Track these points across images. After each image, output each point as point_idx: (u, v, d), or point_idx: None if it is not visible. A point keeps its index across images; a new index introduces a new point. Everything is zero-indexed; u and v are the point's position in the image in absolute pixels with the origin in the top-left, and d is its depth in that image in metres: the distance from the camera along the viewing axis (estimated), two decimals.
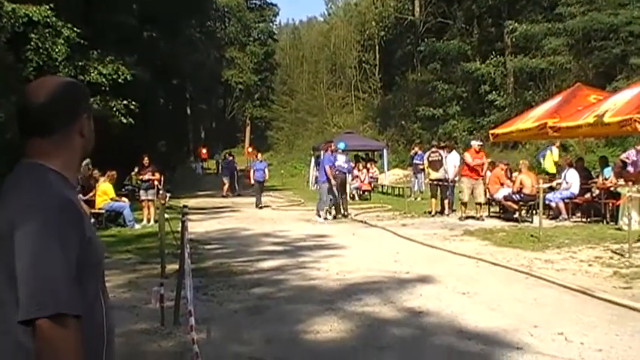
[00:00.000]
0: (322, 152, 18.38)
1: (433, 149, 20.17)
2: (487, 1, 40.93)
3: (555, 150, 22.52)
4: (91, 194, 17.16)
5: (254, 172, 25.79)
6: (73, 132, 1.96)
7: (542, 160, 16.34)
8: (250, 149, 64.92)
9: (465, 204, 17.82)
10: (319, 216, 18.45)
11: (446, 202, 19.24)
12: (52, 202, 1.77)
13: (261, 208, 23.55)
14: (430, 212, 19.13)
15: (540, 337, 6.30)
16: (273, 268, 10.80)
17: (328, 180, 18.66)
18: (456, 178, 18.94)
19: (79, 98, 2.01)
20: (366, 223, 17.70)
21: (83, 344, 1.73)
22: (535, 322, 6.84)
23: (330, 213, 18.83)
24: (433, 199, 19.42)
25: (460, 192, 18.12)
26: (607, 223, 15.59)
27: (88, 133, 2.02)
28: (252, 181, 25.65)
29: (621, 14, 32.18)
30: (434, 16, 45.56)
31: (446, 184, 19.31)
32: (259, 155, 28.12)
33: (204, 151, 57.70)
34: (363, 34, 55.19)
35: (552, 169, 20.75)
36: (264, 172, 25.88)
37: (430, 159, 19.83)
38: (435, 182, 19.41)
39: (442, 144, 21.32)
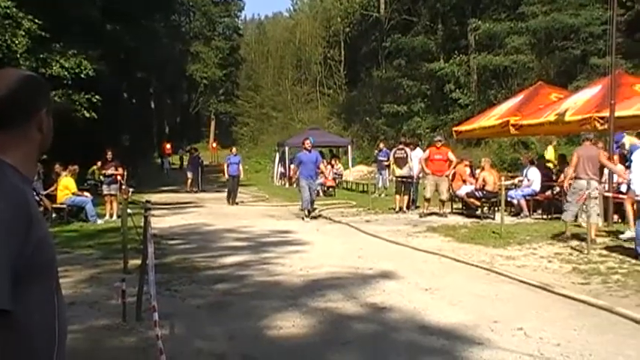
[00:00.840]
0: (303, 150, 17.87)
1: (399, 146, 20.27)
2: (451, 0, 41.26)
3: (551, 149, 22.82)
4: (52, 188, 16.97)
5: (228, 166, 24.61)
6: (31, 126, 1.92)
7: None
8: (215, 144, 64.66)
9: (428, 200, 17.94)
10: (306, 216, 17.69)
11: (405, 198, 19.37)
12: (4, 197, 1.75)
13: (237, 204, 23.06)
14: (394, 209, 19.23)
15: (500, 333, 6.40)
16: (237, 263, 10.78)
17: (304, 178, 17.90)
18: (420, 175, 19.09)
19: (38, 92, 1.97)
20: (330, 219, 17.75)
21: (32, 344, 1.72)
22: (496, 317, 6.93)
23: (308, 214, 17.74)
24: (397, 196, 19.52)
25: (424, 188, 18.24)
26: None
27: (47, 129, 1.99)
28: (227, 176, 24.49)
29: (582, 15, 32.76)
30: (399, 13, 45.80)
31: (410, 180, 19.45)
32: (234, 149, 26.48)
33: (168, 146, 57.20)
34: (329, 30, 55.26)
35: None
36: (239, 166, 24.74)
37: (396, 156, 19.93)
38: (400, 179, 19.52)
39: (408, 141, 21.41)
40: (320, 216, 18.28)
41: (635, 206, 12.07)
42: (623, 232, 12.18)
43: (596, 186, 12.52)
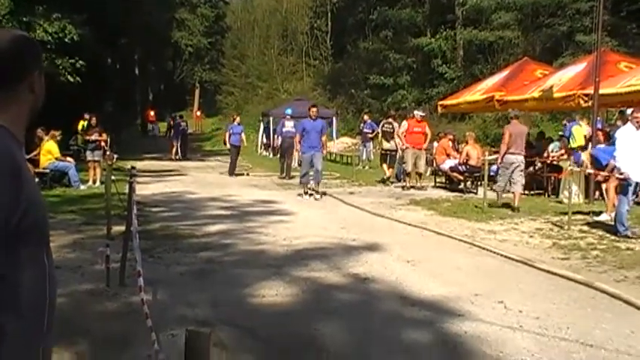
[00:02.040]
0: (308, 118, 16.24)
1: (388, 119, 20.31)
2: None
3: (584, 125, 22.73)
4: (34, 153, 16.86)
5: (230, 135, 23.24)
6: (23, 87, 1.91)
7: (571, 138, 16.11)
8: (199, 113, 64.31)
9: (408, 174, 18.02)
10: (306, 193, 16.17)
11: (390, 170, 19.50)
12: None
13: (236, 176, 22.15)
14: (385, 179, 19.32)
15: (481, 305, 6.48)
16: (221, 232, 10.81)
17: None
18: (404, 147, 19.18)
19: (31, 53, 1.94)
20: (313, 190, 17.78)
21: (22, 307, 1.73)
22: (476, 290, 7.02)
23: (306, 192, 16.12)
24: (385, 165, 19.65)
25: (404, 163, 18.29)
26: (549, 196, 16.01)
27: (39, 90, 1.97)
28: (229, 145, 23.15)
29: None
30: None
31: (394, 153, 19.56)
32: (237, 118, 24.72)
33: (152, 113, 56.87)
34: (316, 0, 54.78)
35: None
36: (241, 136, 23.44)
37: (384, 129, 19.98)
38: (386, 152, 19.60)
39: (396, 114, 21.54)
40: (325, 193, 16.39)
41: (617, 186, 12.19)
42: (601, 213, 12.28)
43: (522, 160, 13.86)
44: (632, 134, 10.61)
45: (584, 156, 14.39)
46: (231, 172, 22.31)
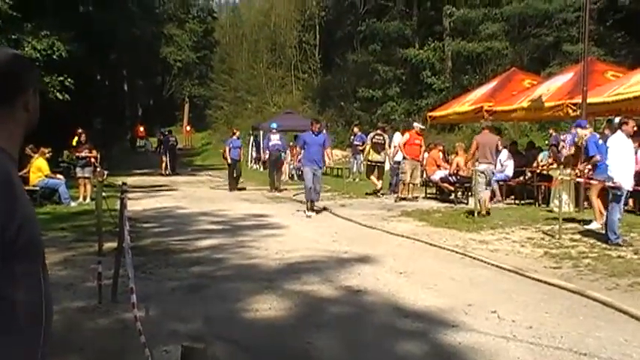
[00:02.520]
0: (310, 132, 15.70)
1: (378, 131, 20.36)
2: None
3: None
4: (25, 171, 16.79)
5: (230, 150, 22.93)
6: (18, 105, 1.92)
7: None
8: (188, 128, 64.29)
9: (405, 185, 18.10)
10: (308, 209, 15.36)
11: (380, 182, 19.53)
12: None
13: (239, 190, 22.08)
14: (375, 191, 19.36)
15: (474, 316, 6.48)
16: (212, 246, 10.78)
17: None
18: (400, 159, 19.28)
19: (25, 71, 1.97)
20: (304, 203, 17.77)
21: (18, 323, 1.72)
22: (470, 300, 7.02)
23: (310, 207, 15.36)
24: (373, 177, 19.69)
25: (403, 173, 18.32)
26: (539, 205, 16.05)
27: (33, 108, 1.98)
28: (229, 161, 22.86)
29: (555, 2, 33.04)
30: None
31: (382, 165, 19.64)
32: (237, 132, 24.69)
33: (141, 129, 56.83)
34: (304, 14, 54.97)
35: None
36: (241, 150, 23.47)
37: (374, 140, 19.99)
38: (374, 163, 19.64)
39: (386, 126, 21.63)
40: (325, 209, 15.96)
41: (606, 194, 12.26)
42: (591, 221, 12.31)
43: (492, 169, 14.50)
44: (623, 142, 10.67)
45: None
46: (232, 187, 22.17)
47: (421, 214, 14.96)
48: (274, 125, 24.25)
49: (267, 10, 63.69)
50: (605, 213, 11.36)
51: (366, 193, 19.44)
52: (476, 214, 13.64)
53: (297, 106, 47.84)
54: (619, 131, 10.86)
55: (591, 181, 12.11)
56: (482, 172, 14.23)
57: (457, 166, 17.45)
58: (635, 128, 11.19)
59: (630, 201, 13.68)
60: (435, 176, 18.29)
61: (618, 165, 10.48)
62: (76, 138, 20.62)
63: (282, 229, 12.83)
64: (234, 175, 22.61)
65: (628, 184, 10.51)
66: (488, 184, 14.57)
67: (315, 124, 16.07)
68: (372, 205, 17.00)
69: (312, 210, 15.29)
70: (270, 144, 22.80)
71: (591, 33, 19.69)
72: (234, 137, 23.83)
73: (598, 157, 11.85)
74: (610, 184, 10.49)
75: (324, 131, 32.44)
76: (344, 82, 46.56)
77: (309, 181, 15.19)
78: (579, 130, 12.98)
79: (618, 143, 10.67)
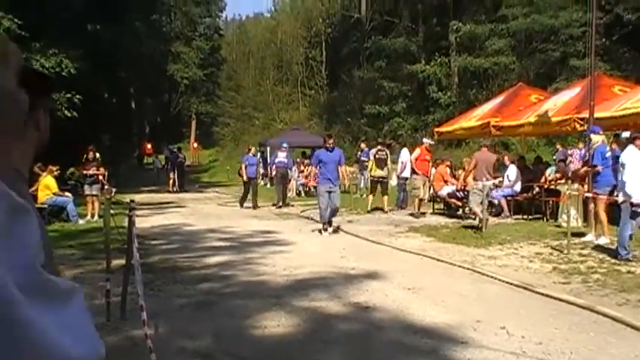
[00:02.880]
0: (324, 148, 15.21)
1: (380, 147, 20.36)
2: (432, 1, 41.46)
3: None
4: (33, 188, 16.85)
5: (246, 167, 22.42)
6: (29, 125, 1.94)
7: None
8: (196, 145, 64.44)
9: (421, 201, 18.16)
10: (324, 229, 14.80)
11: (385, 198, 19.48)
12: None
13: (256, 208, 21.50)
14: (368, 210, 19.27)
15: (483, 332, 6.46)
16: (220, 263, 10.78)
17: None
18: (407, 175, 19.33)
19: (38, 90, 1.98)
20: (312, 219, 17.78)
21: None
22: (478, 316, 7.00)
23: (326, 229, 14.77)
24: (371, 196, 19.64)
25: (416, 189, 18.32)
26: (547, 220, 16.01)
27: (44, 127, 2.00)
28: (245, 178, 22.36)
29: (561, 17, 33.13)
30: (380, 14, 45.84)
31: (386, 181, 19.64)
32: (252, 149, 24.17)
33: (149, 146, 56.99)
34: (310, 31, 55.22)
35: None
36: (257, 167, 23.18)
37: (377, 156, 19.98)
38: (377, 179, 19.62)
39: (388, 142, 21.64)
40: (339, 228, 15.23)
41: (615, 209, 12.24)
42: (600, 236, 12.27)
43: (490, 185, 14.90)
44: (636, 157, 10.64)
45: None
46: (255, 204, 21.79)
47: (429, 229, 14.95)
48: (285, 144, 24.31)
49: (273, 27, 64.02)
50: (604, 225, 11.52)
51: (368, 211, 19.25)
52: (482, 228, 13.65)
53: (304, 123, 47.95)
54: (631, 146, 10.83)
55: (599, 196, 12.09)
56: (480, 190, 14.57)
57: (465, 181, 17.45)
58: None
59: None
60: (443, 192, 18.28)
61: (636, 181, 10.43)
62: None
63: (290, 245, 12.82)
64: (251, 192, 22.27)
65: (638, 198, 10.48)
66: (481, 201, 14.64)
67: (329, 140, 15.60)
68: (379, 221, 16.99)
69: (329, 227, 14.77)
70: (277, 160, 23.15)
71: (597, 48, 19.71)
72: (250, 154, 23.57)
73: (599, 168, 11.89)
74: (630, 200, 10.42)
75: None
76: (350, 98, 46.68)
77: (324, 203, 14.51)
78: (593, 135, 12.92)
79: (633, 158, 10.63)
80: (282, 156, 23.13)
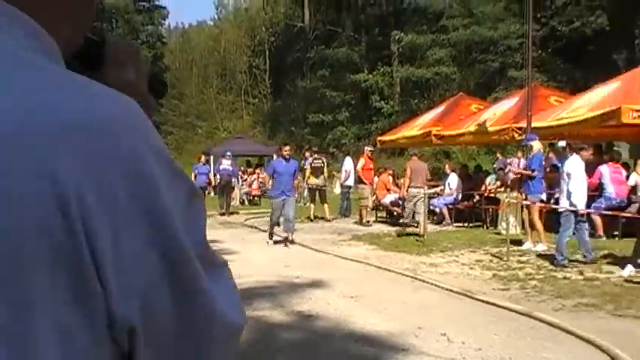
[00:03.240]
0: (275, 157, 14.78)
1: (316, 156, 20.40)
2: (375, 11, 41.93)
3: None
4: None
5: (196, 176, 22.05)
6: None
7: None
8: None
9: (367, 208, 18.33)
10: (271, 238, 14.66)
11: (325, 206, 19.49)
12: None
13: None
14: (310, 218, 19.27)
15: (424, 338, 6.56)
16: None
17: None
18: (351, 184, 19.49)
19: None
20: (256, 228, 17.75)
21: None
22: (420, 323, 7.10)
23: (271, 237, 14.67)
24: (312, 205, 19.66)
25: (364, 198, 18.45)
26: (487, 227, 16.31)
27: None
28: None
29: (500, 29, 33.94)
30: (323, 24, 46.15)
31: (324, 189, 19.68)
32: (203, 157, 23.95)
33: None
34: (254, 40, 55.16)
35: None
36: (209, 176, 23.10)
37: (313, 165, 19.95)
38: (315, 187, 19.63)
39: (321, 150, 21.85)
40: (293, 242, 14.29)
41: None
42: (537, 243, 12.58)
43: (424, 192, 15.31)
44: (580, 167, 10.94)
45: None
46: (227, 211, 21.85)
47: (372, 237, 15.08)
48: (229, 153, 24.27)
49: (216, 34, 63.73)
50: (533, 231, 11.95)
51: (310, 219, 19.21)
52: (424, 235, 13.86)
53: (248, 131, 47.84)
54: (576, 156, 11.10)
55: (532, 204, 12.40)
56: (415, 197, 15.27)
57: (407, 190, 17.66)
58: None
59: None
60: (386, 200, 18.46)
61: (580, 191, 10.73)
62: None
63: (234, 254, 12.75)
64: None
65: (582, 205, 10.77)
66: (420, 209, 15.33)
67: (284, 147, 14.88)
68: (322, 230, 17.06)
69: (289, 239, 14.32)
70: (221, 168, 22.91)
71: (534, 59, 20.20)
72: (201, 163, 23.48)
73: (535, 174, 12.25)
74: (576, 209, 10.68)
75: (274, 156, 32.76)
76: (294, 107, 46.81)
77: (277, 215, 14.16)
78: (534, 142, 13.21)
79: (577, 168, 10.91)
80: (226, 164, 23.06)
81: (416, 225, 16.18)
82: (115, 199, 0.73)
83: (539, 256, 11.60)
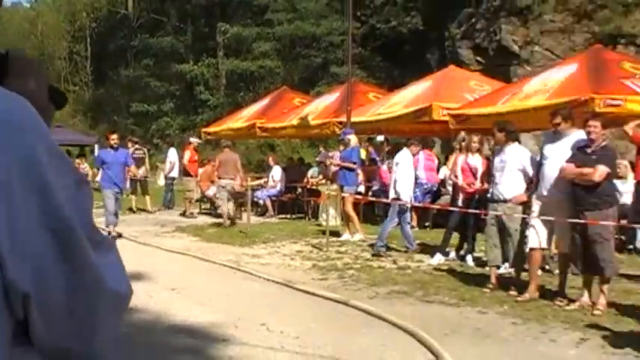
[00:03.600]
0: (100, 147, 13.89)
1: (137, 146, 20.00)
2: (201, 1, 41.56)
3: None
4: None
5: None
6: None
7: None
8: None
9: (192, 200, 18.25)
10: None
11: (147, 198, 19.19)
12: None
13: None
14: (132, 209, 18.83)
15: (245, 329, 6.67)
16: None
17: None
18: (175, 175, 19.30)
19: None
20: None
21: None
22: (240, 314, 7.20)
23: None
24: (133, 196, 19.24)
25: (189, 191, 18.31)
26: (309, 219, 16.72)
27: None
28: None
29: (322, 25, 34.76)
30: (147, 12, 45.11)
31: (146, 180, 19.42)
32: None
33: None
34: (74, 25, 52.86)
35: None
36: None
37: (134, 156, 19.48)
38: (136, 178, 19.24)
39: (142, 141, 21.47)
40: (121, 236, 13.27)
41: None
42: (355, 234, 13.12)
43: (233, 185, 15.80)
44: (409, 160, 11.48)
45: None
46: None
47: (195, 229, 15.03)
48: None
49: (32, 17, 60.48)
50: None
51: (132, 211, 18.73)
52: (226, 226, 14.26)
53: (68, 120, 45.80)
54: (406, 149, 11.62)
55: (346, 195, 12.90)
56: (224, 187, 15.60)
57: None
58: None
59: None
60: (210, 192, 18.41)
61: (406, 181, 11.25)
62: None
63: None
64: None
65: (408, 197, 11.30)
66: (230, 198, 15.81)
67: (111, 136, 14.18)
68: (146, 222, 16.77)
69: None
70: None
71: (355, 56, 20.93)
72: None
73: (351, 166, 12.81)
74: (400, 198, 11.18)
75: (96, 145, 31.70)
76: (117, 95, 45.42)
77: (112, 206, 13.27)
78: (352, 136, 13.68)
79: (406, 160, 11.43)
80: None
81: (240, 217, 16.31)
82: (9, 181, 0.86)
83: (358, 246, 12.08)
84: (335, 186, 13.88)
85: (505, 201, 8.26)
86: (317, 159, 20.21)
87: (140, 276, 9.42)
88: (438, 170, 14.97)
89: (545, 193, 7.63)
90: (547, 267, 9.06)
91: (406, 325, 6.57)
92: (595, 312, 7.09)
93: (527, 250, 7.88)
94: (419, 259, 10.75)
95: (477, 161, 10.20)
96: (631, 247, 11.16)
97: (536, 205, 7.82)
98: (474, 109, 13.18)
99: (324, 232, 12.38)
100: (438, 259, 10.35)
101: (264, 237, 13.48)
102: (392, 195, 11.39)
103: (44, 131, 0.95)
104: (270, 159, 19.33)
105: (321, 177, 17.59)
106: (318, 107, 18.49)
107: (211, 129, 23.65)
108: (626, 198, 10.56)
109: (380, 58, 32.34)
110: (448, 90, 14.71)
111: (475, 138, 10.40)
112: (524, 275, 8.16)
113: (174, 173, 19.89)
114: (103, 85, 48.90)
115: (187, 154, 18.88)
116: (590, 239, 7.14)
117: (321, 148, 20.45)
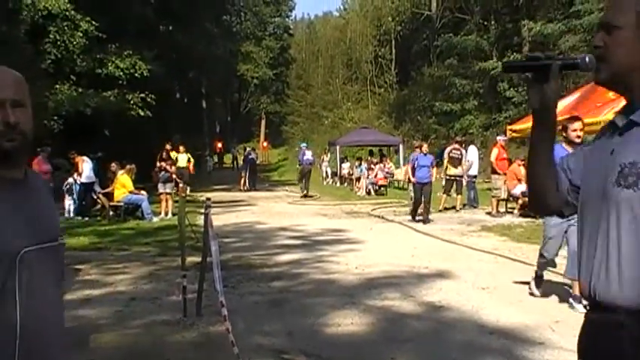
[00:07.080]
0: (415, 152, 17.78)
1: (455, 145, 20.07)
2: None
3: None
4: (110, 188, 17.39)
5: (415, 169, 17.18)
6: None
7: None
8: (265, 144, 65.00)
9: (499, 201, 17.95)
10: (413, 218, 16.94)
11: (459, 197, 19.25)
12: None
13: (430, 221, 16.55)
14: (440, 209, 18.90)
15: (562, 333, 6.28)
16: (292, 261, 10.83)
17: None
18: (475, 173, 19.08)
19: None
20: (383, 218, 17.73)
21: None
22: (557, 317, 6.84)
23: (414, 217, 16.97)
24: (445, 195, 19.31)
25: (497, 189, 18.08)
26: None
27: None
28: (414, 181, 17.22)
29: None
30: (450, 11, 45.37)
31: (460, 179, 19.37)
32: (425, 146, 17.85)
33: (219, 145, 57.80)
34: (379, 29, 54.99)
35: None
36: (430, 170, 17.09)
37: (451, 155, 19.67)
38: (452, 178, 19.38)
39: (461, 140, 21.35)
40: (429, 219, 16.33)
41: None
42: None
43: None
44: None
45: None
46: (424, 218, 16.70)
47: (502, 229, 14.71)
48: (304, 144, 30.29)
49: (342, 25, 64.06)
50: None
51: (439, 210, 18.84)
52: None
53: (373, 121, 47.77)
54: None
55: None
56: None
57: None
58: None
59: None
60: (516, 190, 17.91)
61: None
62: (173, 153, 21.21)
63: (361, 243, 12.78)
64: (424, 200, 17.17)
65: None
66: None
67: (422, 145, 17.67)
68: (451, 220, 16.81)
69: (419, 220, 16.50)
70: (305, 158, 27.40)
71: None
72: (421, 153, 17.46)
73: None
74: None
75: (400, 146, 32.77)
76: (420, 96, 46.26)
77: (419, 194, 16.63)
78: None
79: None
80: (309, 154, 27.68)
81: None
82: None
83: None
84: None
85: None
86: None
87: (448, 274, 9.44)
88: None
89: None
90: None
91: None
92: None
93: None
94: None
95: None
96: None
97: None
98: None
99: None
100: None
101: None
102: None
103: None
104: None
105: None
106: None
107: (517, 126, 23.01)
108: None
109: None
110: None
111: None
112: None
113: (474, 171, 19.71)
114: (406, 86, 50.15)
115: (495, 152, 18.55)
116: None
117: None
